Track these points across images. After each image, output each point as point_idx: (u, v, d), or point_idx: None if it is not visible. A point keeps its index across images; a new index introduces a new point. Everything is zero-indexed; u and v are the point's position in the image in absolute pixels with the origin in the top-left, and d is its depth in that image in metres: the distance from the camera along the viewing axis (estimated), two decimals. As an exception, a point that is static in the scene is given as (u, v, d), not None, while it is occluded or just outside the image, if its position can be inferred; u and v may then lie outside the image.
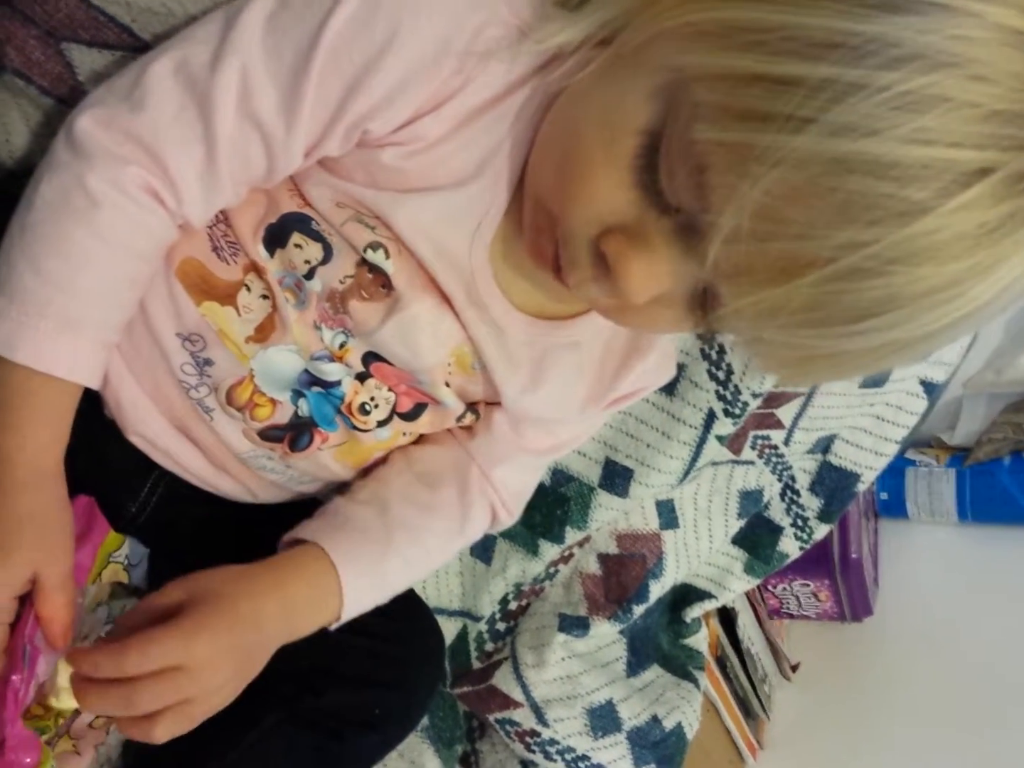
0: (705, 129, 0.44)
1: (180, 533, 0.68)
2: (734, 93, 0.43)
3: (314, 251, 0.57)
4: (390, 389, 0.61)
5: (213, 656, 0.52)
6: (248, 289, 0.58)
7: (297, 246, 0.57)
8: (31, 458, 0.53)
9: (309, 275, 0.57)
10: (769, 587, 1.29)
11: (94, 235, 0.52)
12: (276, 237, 0.57)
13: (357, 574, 0.60)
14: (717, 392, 0.88)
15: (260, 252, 0.57)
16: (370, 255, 0.56)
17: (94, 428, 0.58)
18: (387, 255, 0.56)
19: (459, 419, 0.65)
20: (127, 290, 0.54)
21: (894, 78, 0.40)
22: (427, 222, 0.56)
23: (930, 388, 0.98)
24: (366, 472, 0.67)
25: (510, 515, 0.70)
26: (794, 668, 1.33)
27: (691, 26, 0.46)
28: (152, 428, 0.61)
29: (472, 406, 0.65)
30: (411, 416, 0.63)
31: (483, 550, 0.93)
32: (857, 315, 0.44)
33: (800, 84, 0.41)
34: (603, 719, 0.94)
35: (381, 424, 0.63)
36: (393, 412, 0.62)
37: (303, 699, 0.61)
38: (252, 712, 0.59)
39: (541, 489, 0.91)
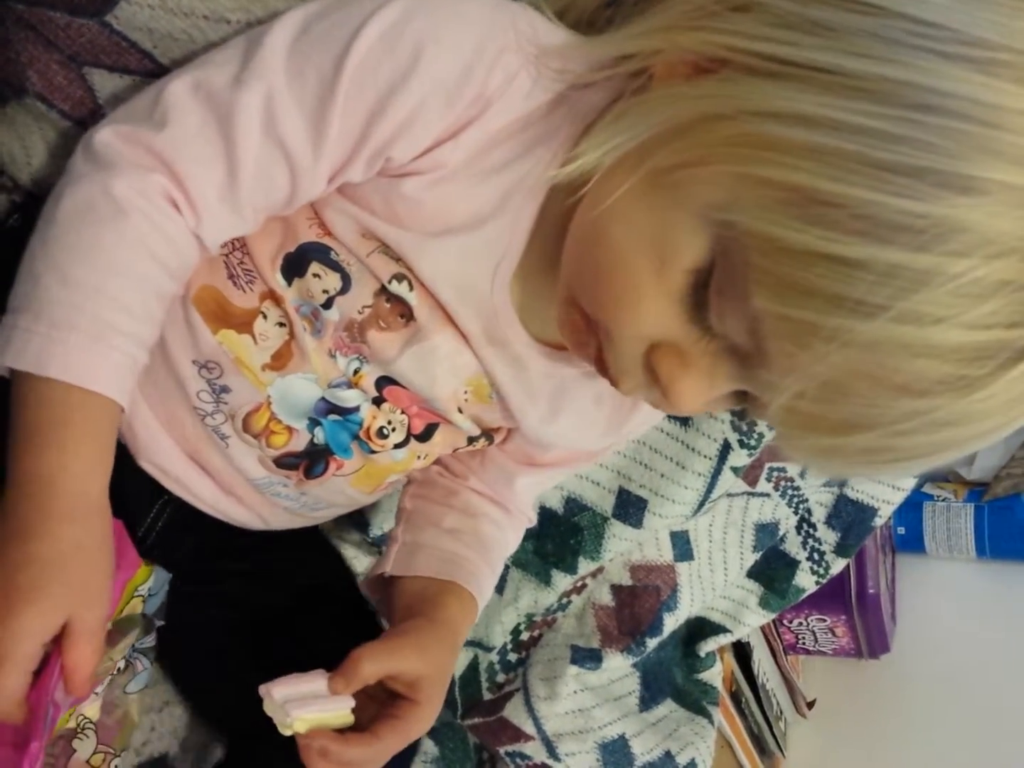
0: (764, 297, 0.44)
1: (185, 557, 0.68)
2: (795, 268, 0.43)
3: (332, 281, 0.57)
4: (403, 412, 0.61)
5: None
6: (264, 317, 0.58)
7: (315, 275, 0.57)
8: (76, 481, 0.49)
9: (327, 304, 0.57)
10: (785, 622, 1.27)
11: (122, 242, 0.51)
12: (294, 266, 0.57)
13: (482, 603, 0.67)
14: (732, 423, 0.87)
15: (278, 281, 0.57)
16: (394, 286, 0.56)
17: None
18: (411, 287, 0.56)
19: (473, 440, 0.65)
20: (154, 303, 0.53)
21: (962, 267, 0.40)
22: (449, 266, 0.56)
23: (948, 421, 0.97)
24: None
25: (530, 520, 0.74)
26: (810, 705, 1.31)
27: (747, 177, 0.45)
28: (164, 455, 0.61)
29: (487, 432, 0.65)
30: (424, 437, 0.63)
31: (495, 579, 0.92)
32: (909, 457, 0.46)
33: (868, 268, 0.41)
34: (615, 754, 0.93)
35: (398, 446, 0.63)
36: (409, 434, 0.62)
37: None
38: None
39: (554, 518, 0.91)
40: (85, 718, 0.61)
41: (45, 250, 0.51)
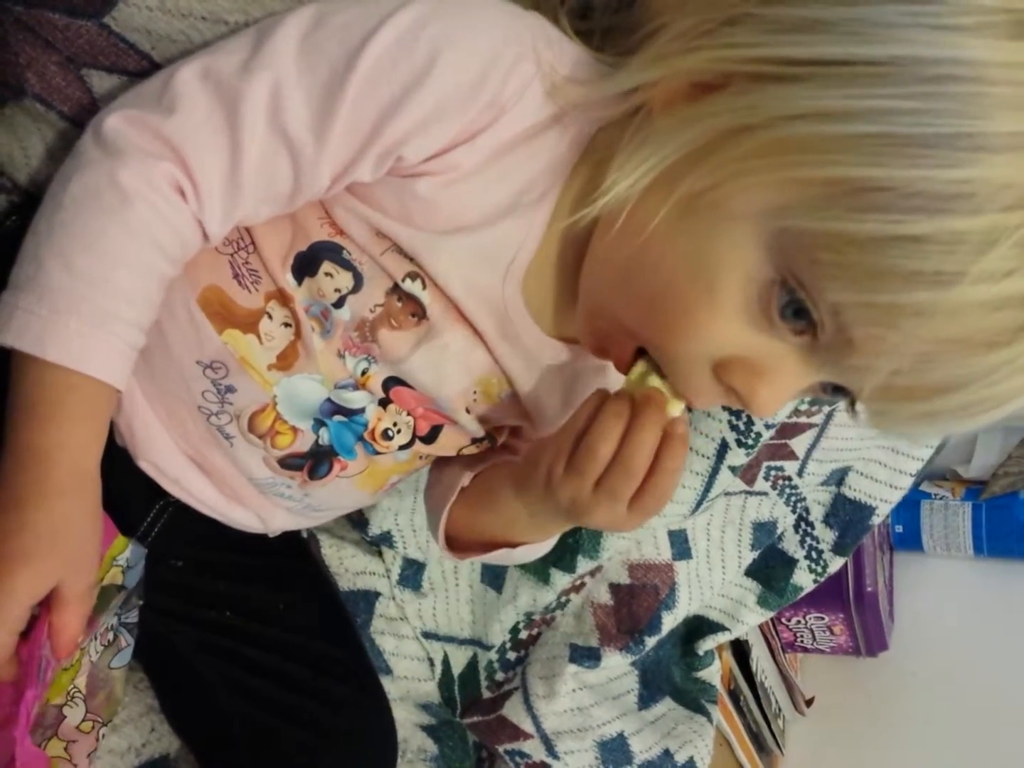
0: (839, 290, 0.45)
1: (179, 555, 0.68)
2: (865, 256, 0.44)
3: (344, 280, 0.56)
4: (408, 413, 0.61)
5: None
6: (270, 317, 0.57)
7: (328, 275, 0.56)
8: (72, 457, 0.51)
9: (339, 304, 0.57)
10: (783, 620, 1.27)
11: (126, 232, 0.51)
12: (306, 265, 0.57)
13: None
14: (730, 422, 0.88)
15: (288, 280, 0.57)
16: (408, 284, 0.56)
17: (104, 454, 0.58)
18: (424, 285, 0.56)
19: (477, 442, 0.65)
20: (155, 289, 0.53)
21: (1019, 219, 0.42)
22: (461, 264, 0.56)
23: (945, 420, 0.98)
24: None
25: None
26: (808, 702, 1.31)
27: (790, 181, 0.46)
28: (164, 455, 0.61)
29: (491, 434, 0.65)
30: (429, 439, 0.63)
31: (494, 578, 0.92)
32: (1005, 402, 0.48)
33: (935, 240, 0.43)
34: (614, 752, 0.93)
35: (403, 448, 0.63)
36: (414, 436, 0.62)
37: None
38: None
39: (553, 517, 0.91)
40: (75, 688, 0.63)
41: (50, 234, 0.51)
